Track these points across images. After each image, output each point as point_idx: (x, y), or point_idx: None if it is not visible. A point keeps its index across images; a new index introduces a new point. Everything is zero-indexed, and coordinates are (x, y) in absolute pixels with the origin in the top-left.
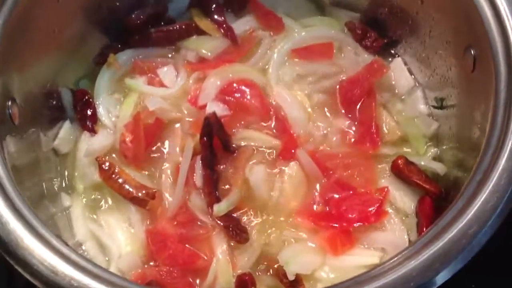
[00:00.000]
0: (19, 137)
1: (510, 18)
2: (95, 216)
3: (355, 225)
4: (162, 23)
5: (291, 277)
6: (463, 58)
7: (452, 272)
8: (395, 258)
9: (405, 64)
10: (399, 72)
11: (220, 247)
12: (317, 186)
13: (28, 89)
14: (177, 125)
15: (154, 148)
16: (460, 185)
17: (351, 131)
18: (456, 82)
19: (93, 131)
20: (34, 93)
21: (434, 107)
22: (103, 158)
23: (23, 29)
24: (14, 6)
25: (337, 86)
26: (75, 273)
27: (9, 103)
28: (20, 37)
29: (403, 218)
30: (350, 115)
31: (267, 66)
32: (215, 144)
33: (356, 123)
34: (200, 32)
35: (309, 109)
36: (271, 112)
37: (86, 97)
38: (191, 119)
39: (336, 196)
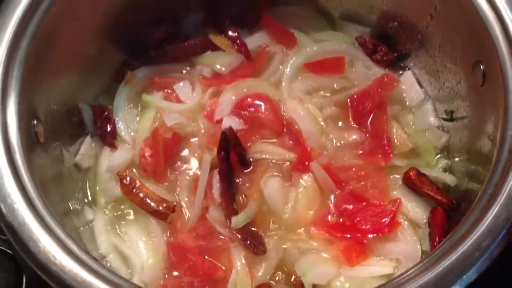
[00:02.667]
0: (44, 154)
1: None
2: (117, 229)
3: (369, 236)
4: (178, 39)
5: (308, 287)
6: (472, 73)
7: (466, 283)
8: (411, 271)
9: (415, 77)
10: (410, 85)
11: (239, 259)
12: (331, 198)
13: (51, 107)
14: (194, 139)
15: (172, 162)
16: (471, 196)
17: (363, 143)
18: (465, 95)
19: (113, 146)
20: (56, 110)
21: (444, 119)
22: (124, 173)
23: (46, 49)
24: (38, 26)
25: (349, 100)
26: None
27: (35, 122)
28: (44, 56)
29: (416, 228)
30: (362, 128)
31: (280, 80)
32: (231, 158)
33: (367, 135)
34: (215, 48)
35: (322, 123)
36: (284, 126)
37: (106, 113)
38: (207, 134)
39: (350, 207)
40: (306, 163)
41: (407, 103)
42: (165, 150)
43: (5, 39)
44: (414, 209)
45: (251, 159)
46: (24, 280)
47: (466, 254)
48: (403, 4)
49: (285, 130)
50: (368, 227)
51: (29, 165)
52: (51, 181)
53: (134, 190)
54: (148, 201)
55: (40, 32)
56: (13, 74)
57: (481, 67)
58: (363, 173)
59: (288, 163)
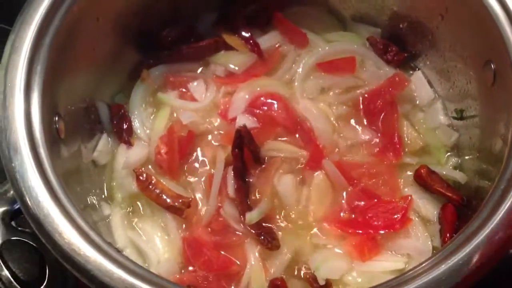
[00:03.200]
0: (64, 149)
1: None
2: (133, 224)
3: (381, 232)
4: (192, 39)
5: (321, 282)
6: (483, 72)
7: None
8: (425, 263)
9: (425, 76)
10: (420, 84)
11: (253, 254)
12: (344, 195)
13: (70, 104)
14: (209, 137)
15: (187, 159)
16: (482, 193)
17: (374, 141)
18: (476, 95)
19: (129, 143)
20: (75, 108)
21: (454, 118)
22: (140, 170)
23: (67, 47)
24: (61, 23)
25: (360, 99)
26: (129, 277)
27: (56, 118)
28: (65, 54)
29: (427, 225)
30: (373, 126)
31: (292, 80)
32: (245, 155)
33: (379, 134)
34: (228, 48)
35: (334, 121)
36: (297, 124)
37: (122, 111)
38: (221, 132)
39: (362, 204)
40: (319, 161)
41: (417, 102)
42: (180, 147)
43: (29, 35)
44: (425, 206)
45: (264, 157)
46: (47, 272)
47: (480, 247)
48: (414, 5)
49: (297, 128)
50: (379, 223)
51: (52, 160)
52: (71, 176)
53: (150, 186)
54: (164, 197)
55: (62, 30)
56: (37, 70)
57: (492, 66)
58: (374, 170)
59: (301, 160)
